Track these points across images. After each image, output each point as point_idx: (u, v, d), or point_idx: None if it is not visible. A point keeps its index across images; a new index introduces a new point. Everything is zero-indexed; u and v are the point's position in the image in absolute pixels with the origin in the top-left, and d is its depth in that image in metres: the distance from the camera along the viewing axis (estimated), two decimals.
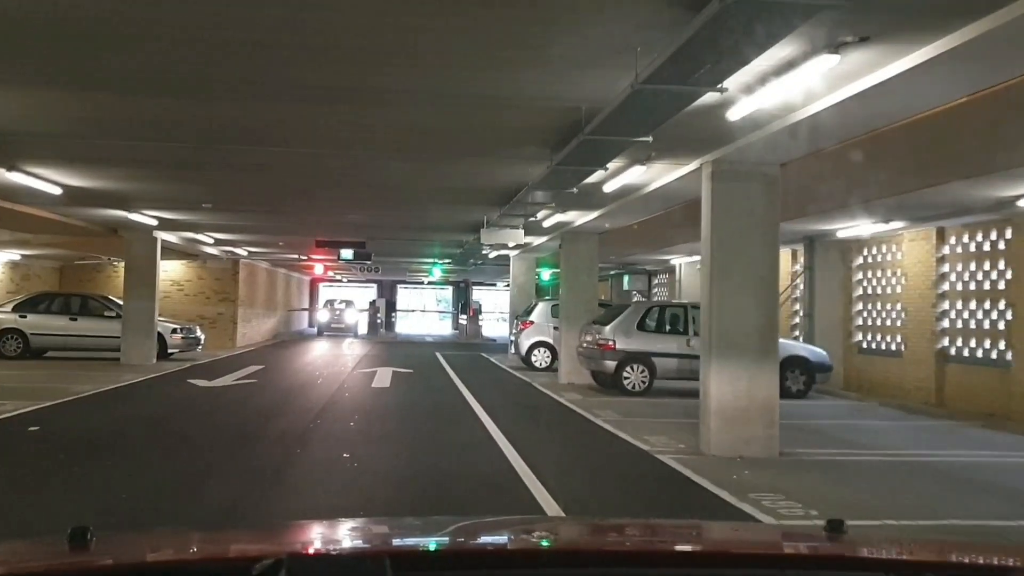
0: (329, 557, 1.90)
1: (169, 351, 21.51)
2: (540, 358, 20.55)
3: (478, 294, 48.11)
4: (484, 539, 2.27)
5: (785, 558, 2.00)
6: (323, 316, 41.05)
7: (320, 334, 39.61)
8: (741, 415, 8.98)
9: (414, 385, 16.76)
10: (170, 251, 25.43)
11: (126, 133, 9.18)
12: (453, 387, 16.36)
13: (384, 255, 27.08)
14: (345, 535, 2.32)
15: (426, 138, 9.08)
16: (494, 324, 45.04)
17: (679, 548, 2.21)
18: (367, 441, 9.95)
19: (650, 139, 7.12)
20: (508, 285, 52.43)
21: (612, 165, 9.38)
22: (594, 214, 14.38)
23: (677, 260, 25.52)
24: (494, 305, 49.46)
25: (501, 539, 2.30)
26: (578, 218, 15.29)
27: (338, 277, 46.24)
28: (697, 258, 25.68)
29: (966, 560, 2.07)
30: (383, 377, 17.79)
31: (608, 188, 10.93)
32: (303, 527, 2.63)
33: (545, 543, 2.23)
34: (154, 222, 17.39)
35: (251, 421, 11.50)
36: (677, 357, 15.06)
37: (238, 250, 26.17)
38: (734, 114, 6.93)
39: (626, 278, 31.10)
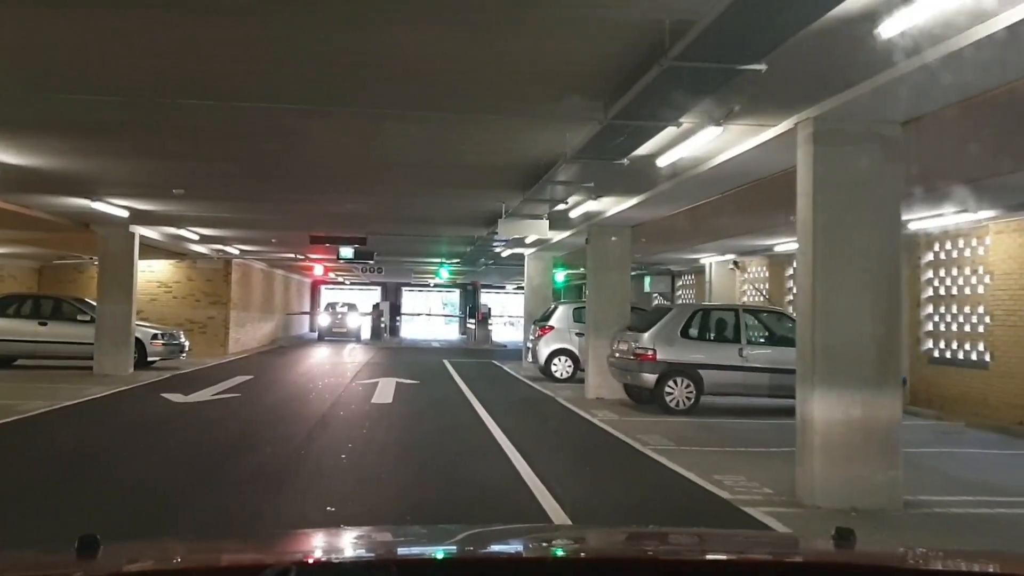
0: (336, 565, 1.92)
1: (149, 359, 19.42)
2: (561, 368, 18.35)
3: (486, 297, 45.88)
4: (490, 547, 2.27)
5: (794, 567, 1.98)
6: (324, 320, 38.94)
7: (321, 339, 37.53)
8: (855, 453, 6.78)
9: (420, 401, 14.60)
10: (156, 250, 23.53)
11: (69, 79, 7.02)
12: (465, 403, 14.19)
13: (387, 254, 24.92)
14: (351, 543, 2.29)
15: (434, 80, 6.73)
16: (503, 328, 42.89)
17: (687, 557, 2.15)
18: (360, 485, 7.76)
19: (763, 67, 4.96)
20: (518, 288, 50.77)
21: (676, 129, 7.23)
22: (633, 200, 12.20)
23: (708, 259, 23.30)
24: (502, 309, 47.32)
25: (508, 547, 2.30)
26: (612, 207, 13.12)
27: (340, 279, 44.16)
28: (729, 257, 23.67)
29: (976, 570, 2.06)
30: (385, 390, 15.63)
31: (663, 162, 8.73)
32: (310, 536, 2.80)
33: (552, 551, 2.20)
34: (124, 213, 15.25)
35: (219, 451, 9.29)
36: (728, 370, 12.88)
37: (228, 248, 24.07)
38: (889, 28, 4.73)
39: (647, 279, 28.80)
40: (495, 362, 24.86)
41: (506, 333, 41.56)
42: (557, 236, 17.84)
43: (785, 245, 18.01)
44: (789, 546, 2.77)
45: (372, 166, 10.97)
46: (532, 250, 22.21)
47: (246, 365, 22.00)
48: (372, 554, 2.14)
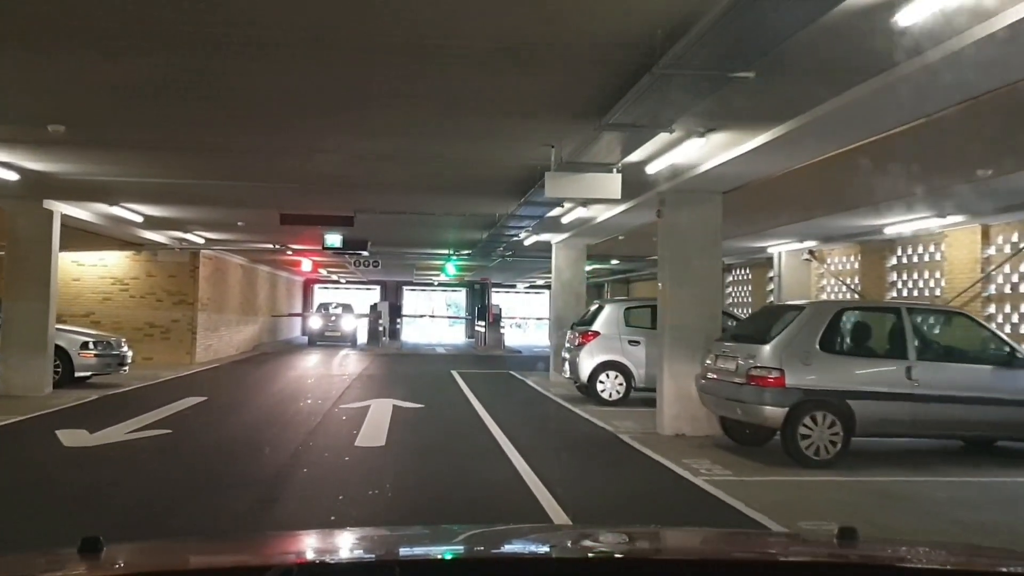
0: (338, 566, 1.90)
1: (78, 374, 15.11)
2: (610, 387, 13.97)
3: (494, 297, 41.39)
4: (493, 547, 2.25)
5: (798, 565, 1.96)
6: (315, 323, 34.57)
7: (312, 344, 33.20)
8: None
9: (425, 441, 10.22)
10: (105, 239, 19.27)
11: None
12: (491, 445, 9.79)
13: (384, 244, 20.57)
14: (354, 544, 2.25)
15: None
16: (511, 331, 38.39)
17: (689, 556, 2.10)
18: None
19: None
20: (530, 287, 46.44)
21: None
22: (760, 138, 7.83)
23: (778, 247, 18.92)
24: (510, 310, 42.79)
25: (511, 548, 2.25)
26: (709, 157, 8.78)
27: (334, 277, 39.80)
28: (808, 244, 19.18)
29: (983, 567, 2.04)
30: (377, 421, 11.27)
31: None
32: (312, 537, 2.69)
33: (555, 552, 2.17)
34: (13, 176, 10.91)
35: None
36: (892, 399, 8.54)
37: (190, 236, 19.73)
38: None
39: None
40: (513, 373, 20.50)
41: (520, 337, 37.13)
42: (604, 214, 13.48)
43: (906, 224, 13.65)
44: (792, 544, 2.66)
45: (365, 93, 6.69)
46: (563, 236, 17.83)
47: (207, 380, 17.64)
48: (374, 555, 2.10)
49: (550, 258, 19.99)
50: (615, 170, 8.37)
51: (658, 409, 10.90)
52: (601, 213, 13.84)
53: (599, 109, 6.87)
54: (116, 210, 14.54)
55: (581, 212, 13.23)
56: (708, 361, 9.68)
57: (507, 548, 2.23)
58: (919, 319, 9.06)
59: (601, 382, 13.99)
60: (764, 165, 8.90)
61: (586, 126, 7.54)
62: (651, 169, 9.13)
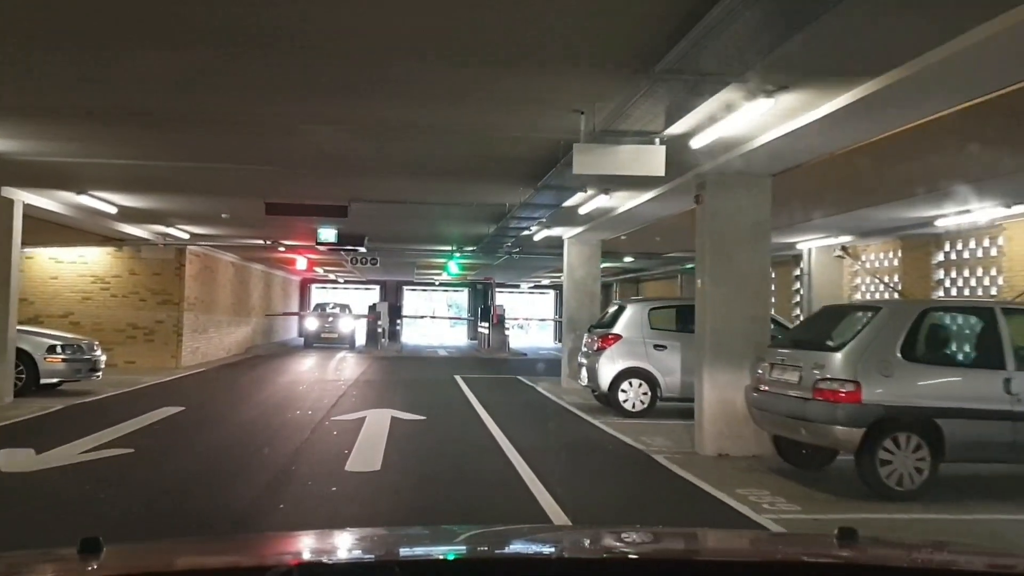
0: (338, 566, 1.89)
1: (43, 381, 13.68)
2: (633, 396, 12.51)
3: (498, 297, 39.91)
4: (494, 548, 2.22)
5: (798, 565, 1.95)
6: (311, 324, 33.12)
7: (308, 346, 31.77)
8: None
9: (428, 464, 8.75)
10: (81, 233, 17.87)
11: None
12: (507, 470, 8.30)
13: (382, 240, 19.16)
14: (355, 544, 2.25)
15: None
16: (514, 332, 36.87)
17: (688, 556, 2.10)
18: None
19: None
20: (535, 287, 44.97)
21: None
22: (832, 105, 6.42)
23: (807, 243, 17.48)
24: (512, 310, 41.22)
25: (511, 548, 2.23)
26: (769, 127, 7.35)
27: (332, 276, 38.36)
28: (843, 239, 17.67)
29: (979, 567, 2.03)
30: (373, 437, 9.82)
31: None
32: (313, 537, 2.76)
33: (556, 552, 2.16)
34: None
35: None
36: (988, 418, 7.10)
37: (172, 231, 18.33)
38: None
39: None
40: (521, 379, 19.06)
41: (519, 338, 35.65)
42: (646, 194, 11.97)
43: (962, 216, 12.21)
44: (791, 544, 2.67)
45: (361, 42, 5.26)
46: (576, 231, 16.39)
47: (190, 387, 16.22)
48: (374, 555, 2.09)
49: (560, 255, 18.57)
50: (658, 141, 6.93)
51: (696, 424, 9.45)
52: (624, 203, 12.39)
53: (648, 56, 5.43)
54: (85, 199, 13.09)
55: (602, 201, 11.77)
56: (760, 371, 8.24)
57: (507, 548, 2.22)
58: (1017, 321, 7.59)
59: (623, 391, 12.54)
60: (829, 139, 7.45)
61: (627, 84, 6.10)
62: (697, 143, 7.67)
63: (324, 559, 2.02)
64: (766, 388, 8.04)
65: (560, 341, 22.51)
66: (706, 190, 9.26)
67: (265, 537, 3.39)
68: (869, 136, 7.36)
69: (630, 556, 2.05)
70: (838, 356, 7.24)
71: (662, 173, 6.95)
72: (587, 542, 2.34)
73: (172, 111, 7.81)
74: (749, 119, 6.86)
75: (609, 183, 9.81)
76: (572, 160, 7.08)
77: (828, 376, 7.18)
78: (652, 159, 6.88)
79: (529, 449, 9.07)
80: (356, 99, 7.22)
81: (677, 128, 7.30)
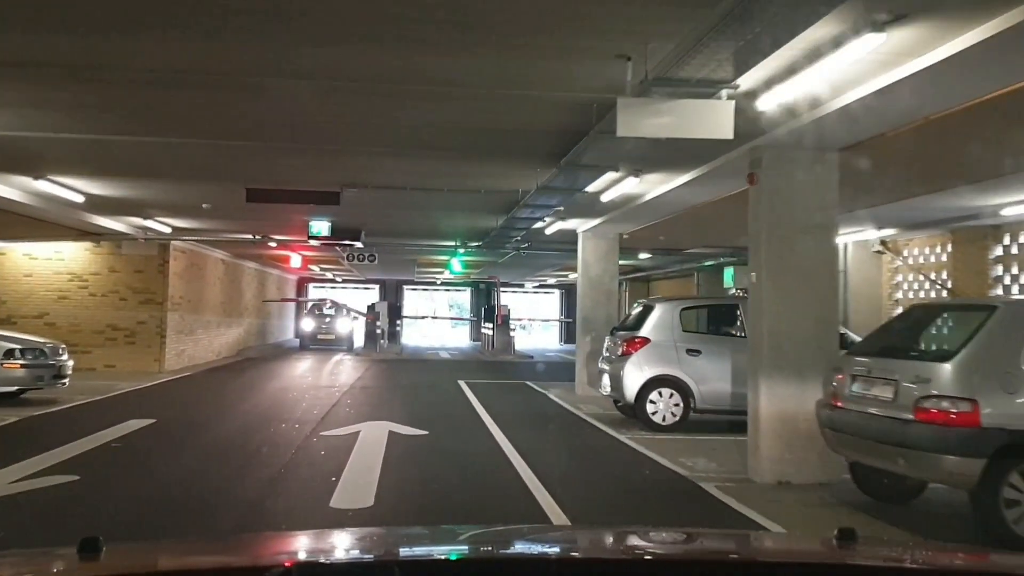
0: (338, 566, 1.88)
1: (1, 389, 12.22)
2: (663, 408, 11.02)
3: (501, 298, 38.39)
4: (494, 548, 2.20)
5: (798, 566, 1.90)
6: (307, 325, 31.66)
7: (303, 348, 30.32)
8: None
9: (431, 498, 7.20)
10: (55, 226, 16.40)
11: None
12: (528, 502, 6.78)
13: (380, 234, 17.69)
14: (354, 544, 2.25)
15: None
16: (517, 333, 35.34)
17: (688, 556, 2.07)
18: None
19: None
20: (540, 287, 43.46)
21: None
22: (949, 49, 4.96)
23: (842, 237, 15.96)
24: (515, 310, 39.71)
25: (511, 548, 2.22)
26: (862, 80, 5.87)
27: (329, 275, 36.90)
28: (884, 233, 16.04)
29: (978, 567, 2.01)
30: (367, 459, 8.34)
31: None
32: (312, 536, 2.77)
33: (555, 551, 2.15)
34: None
35: None
36: None
37: (152, 224, 16.86)
38: None
39: (728, 272, 21.33)
40: (530, 384, 17.60)
41: (522, 339, 34.12)
42: (684, 176, 10.50)
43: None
44: (791, 545, 2.64)
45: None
46: (594, 223, 14.90)
47: (168, 395, 14.78)
48: (374, 555, 2.08)
49: (571, 251, 17.12)
50: (725, 95, 5.44)
51: (750, 445, 7.96)
52: (654, 188, 10.90)
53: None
54: (44, 185, 11.63)
55: (629, 186, 10.30)
56: (834, 384, 6.76)
57: (507, 549, 2.19)
58: None
59: (652, 402, 11.06)
60: (936, 94, 5.96)
61: (692, 14, 4.63)
62: (765, 103, 6.17)
63: (324, 559, 2.01)
64: (845, 405, 6.56)
65: (566, 342, 21.04)
66: (762, 167, 7.77)
67: (265, 537, 3.39)
68: (985, 91, 5.87)
69: (630, 556, 2.04)
70: (947, 367, 5.75)
71: (730, 135, 5.45)
72: (588, 542, 2.34)
73: (115, 62, 6.32)
74: (842, 67, 5.37)
75: (658, 151, 8.20)
76: (613, 121, 5.59)
77: (935, 392, 5.70)
78: (718, 117, 5.39)
79: (553, 480, 7.54)
80: (339, 42, 5.74)
81: (744, 81, 5.80)
